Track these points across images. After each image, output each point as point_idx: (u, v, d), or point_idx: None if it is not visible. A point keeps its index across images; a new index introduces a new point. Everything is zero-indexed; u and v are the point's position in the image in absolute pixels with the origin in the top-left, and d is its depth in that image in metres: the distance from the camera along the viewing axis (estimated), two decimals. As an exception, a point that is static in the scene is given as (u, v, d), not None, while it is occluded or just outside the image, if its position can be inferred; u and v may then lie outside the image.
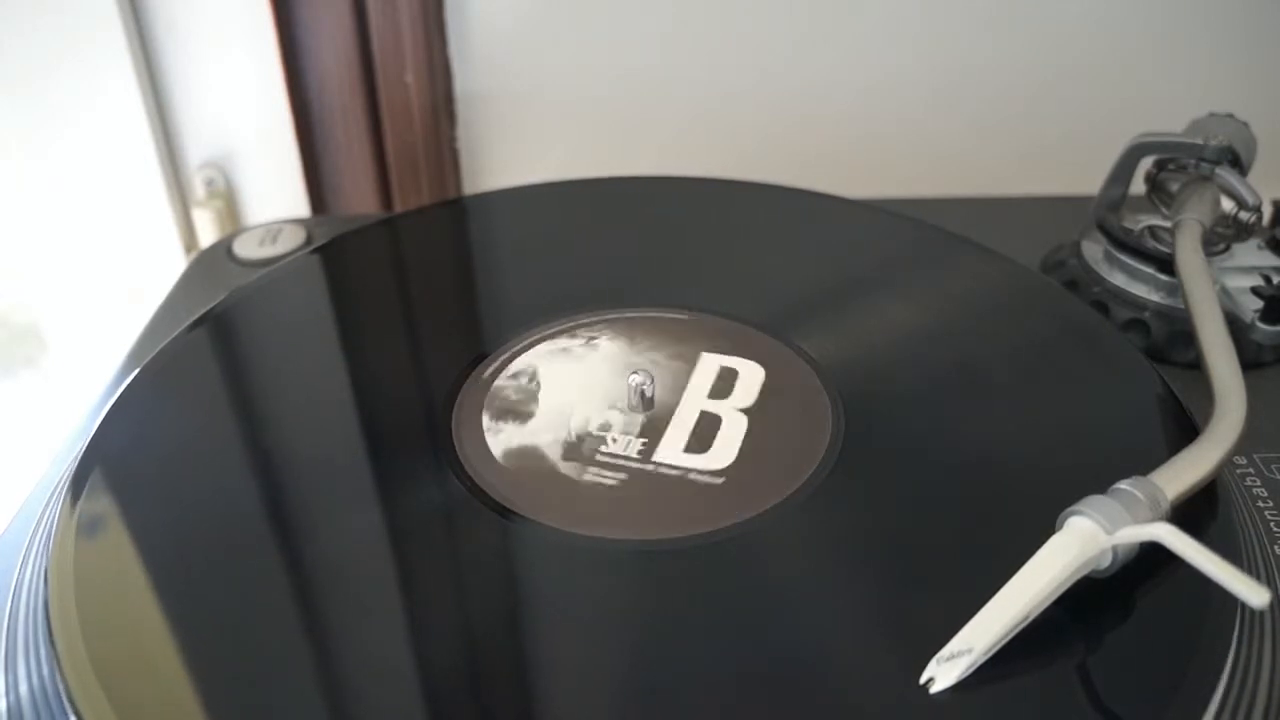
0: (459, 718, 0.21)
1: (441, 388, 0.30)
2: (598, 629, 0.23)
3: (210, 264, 0.43)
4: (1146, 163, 0.38)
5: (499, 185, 0.44)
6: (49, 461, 0.31)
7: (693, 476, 0.26)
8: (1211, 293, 0.30)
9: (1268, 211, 0.36)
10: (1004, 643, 0.20)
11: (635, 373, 0.29)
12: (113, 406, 0.29)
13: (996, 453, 0.27)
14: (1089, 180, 0.39)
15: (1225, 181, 0.35)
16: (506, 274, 0.37)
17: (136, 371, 0.30)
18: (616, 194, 0.42)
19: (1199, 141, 0.36)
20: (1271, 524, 0.27)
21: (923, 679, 0.20)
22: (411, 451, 0.28)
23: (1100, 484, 0.22)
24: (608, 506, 0.26)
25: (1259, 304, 0.34)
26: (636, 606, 0.23)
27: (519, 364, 0.31)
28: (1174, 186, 0.37)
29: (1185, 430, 0.27)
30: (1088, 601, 0.22)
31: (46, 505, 0.28)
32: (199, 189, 0.58)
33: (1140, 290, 0.35)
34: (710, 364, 0.31)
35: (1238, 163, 0.36)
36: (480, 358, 0.31)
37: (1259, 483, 0.29)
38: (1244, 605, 0.20)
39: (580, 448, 0.28)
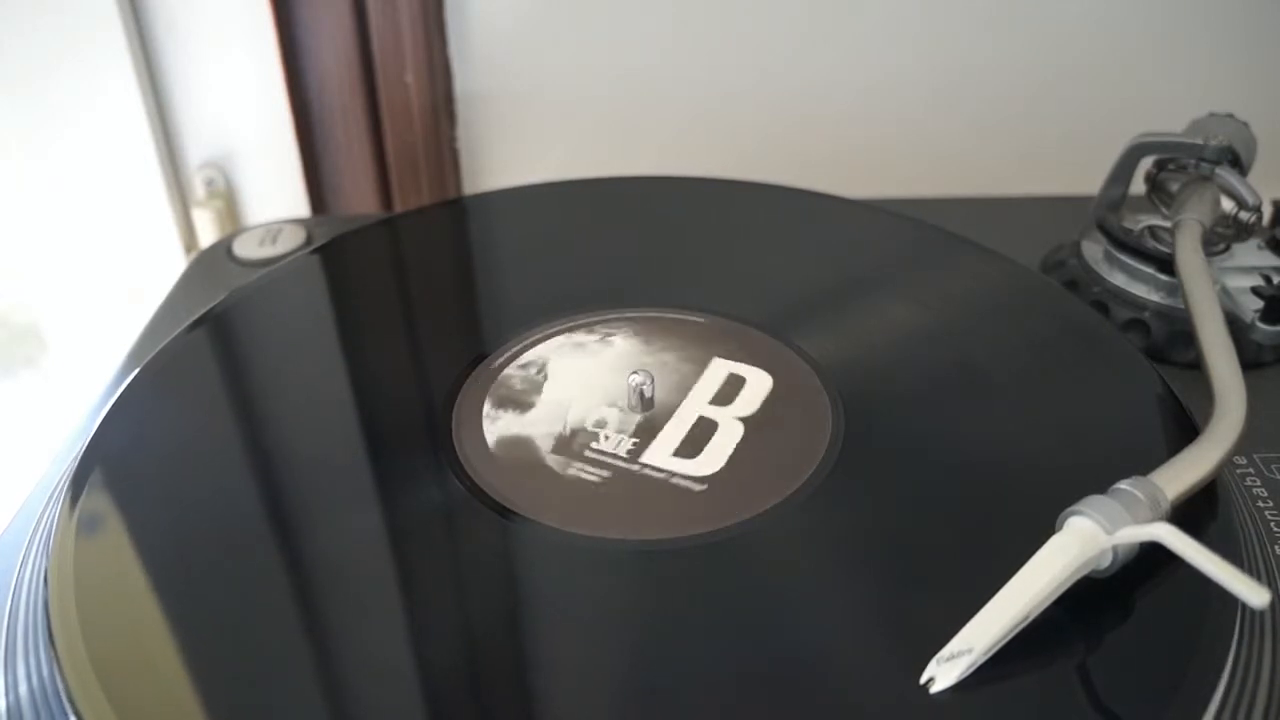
0: (459, 718, 0.21)
1: (441, 388, 0.30)
2: (597, 629, 0.23)
3: (210, 264, 0.43)
4: (1146, 163, 0.38)
5: (499, 185, 0.44)
6: (49, 461, 0.31)
7: (675, 481, 0.26)
8: (1211, 293, 0.30)
9: (1268, 211, 0.36)
10: (1004, 643, 0.20)
11: (635, 372, 0.29)
12: (113, 406, 0.29)
13: (996, 453, 0.27)
14: (1089, 180, 0.39)
15: (1225, 181, 0.35)
16: (506, 274, 0.37)
17: (136, 371, 0.30)
18: (616, 194, 0.42)
19: (1199, 141, 0.36)
20: (1271, 524, 0.27)
21: (923, 679, 0.20)
22: (411, 451, 0.28)
23: (1100, 484, 0.22)
24: (587, 503, 0.26)
25: (1259, 304, 0.34)
26: (636, 606, 0.23)
27: (531, 355, 0.31)
28: (1174, 186, 0.37)
29: (1185, 430, 0.27)
30: (1088, 601, 0.22)
31: (46, 505, 0.28)
32: (199, 189, 0.58)
33: (1140, 290, 0.35)
34: (719, 370, 0.30)
35: (1238, 163, 0.36)
36: (480, 357, 0.31)
37: (1259, 483, 0.29)
38: (1244, 605, 0.20)
39: (571, 442, 0.28)
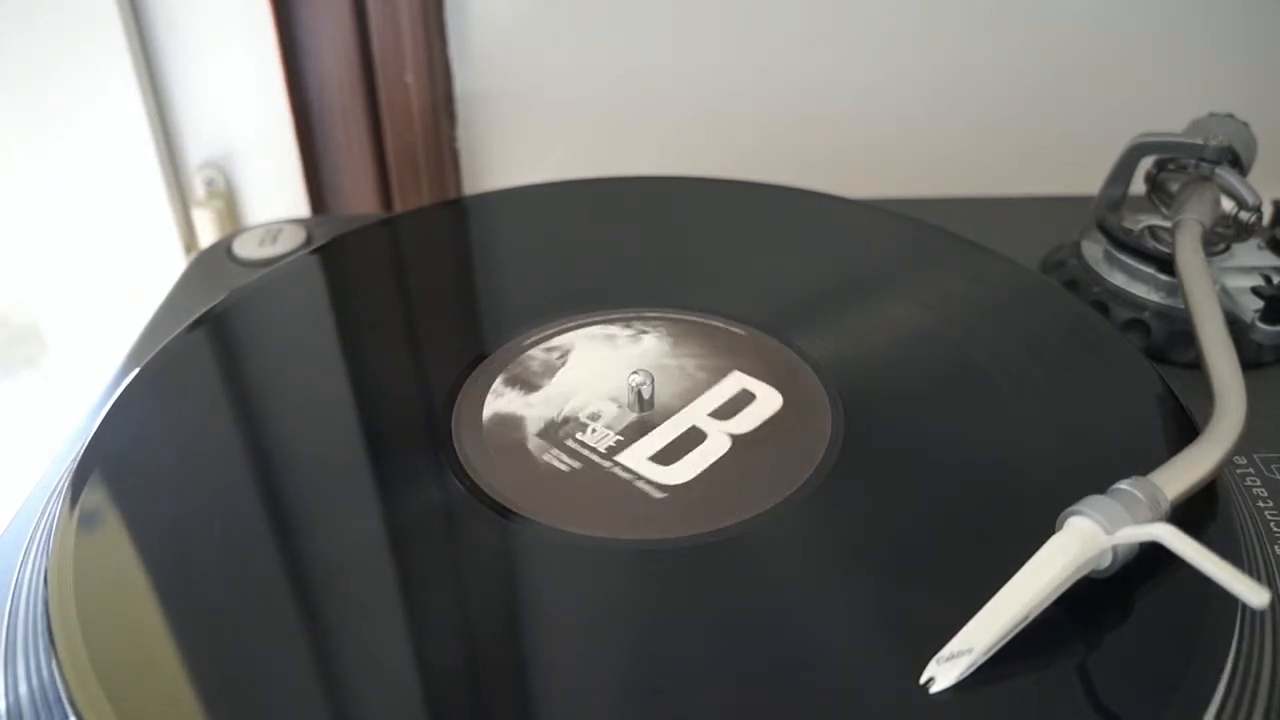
0: (458, 717, 0.21)
1: (441, 388, 0.30)
2: (596, 629, 0.23)
3: (210, 264, 0.43)
4: (1146, 163, 0.38)
5: (499, 185, 0.44)
6: (49, 461, 0.31)
7: (639, 484, 0.26)
8: (1211, 293, 0.30)
9: (1268, 211, 0.36)
10: (1004, 643, 0.20)
11: (636, 372, 0.29)
12: (113, 406, 0.29)
13: (996, 453, 0.27)
14: (1089, 180, 0.39)
15: (1225, 181, 0.35)
16: (506, 274, 0.37)
17: (136, 371, 0.30)
18: (616, 194, 0.42)
19: (1199, 141, 0.36)
20: (1271, 524, 0.27)
21: (923, 679, 0.20)
22: (411, 451, 0.28)
23: (1100, 484, 0.22)
24: (549, 490, 0.26)
25: (1259, 304, 0.34)
26: (636, 606, 0.23)
27: (560, 340, 0.32)
28: (1174, 186, 0.37)
29: (1185, 430, 0.27)
30: (1088, 601, 0.22)
31: (46, 505, 0.28)
32: (199, 189, 0.58)
33: (1140, 290, 0.35)
34: (734, 383, 0.30)
35: (1238, 163, 0.36)
36: (480, 357, 0.31)
37: (1259, 483, 0.29)
38: (1244, 605, 0.20)
39: (558, 429, 0.28)
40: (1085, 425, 0.28)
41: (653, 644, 0.22)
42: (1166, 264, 0.34)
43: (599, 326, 0.32)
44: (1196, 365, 0.28)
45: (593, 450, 0.27)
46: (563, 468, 0.27)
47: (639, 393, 0.29)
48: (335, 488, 0.27)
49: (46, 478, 0.30)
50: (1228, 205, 0.35)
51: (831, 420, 0.28)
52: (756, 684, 0.21)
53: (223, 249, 0.44)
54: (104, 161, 0.56)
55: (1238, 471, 0.29)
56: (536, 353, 0.31)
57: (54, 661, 0.21)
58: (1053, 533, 0.22)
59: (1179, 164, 0.37)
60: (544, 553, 0.24)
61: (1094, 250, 0.38)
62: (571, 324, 0.33)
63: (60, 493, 0.26)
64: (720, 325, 0.32)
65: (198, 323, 0.33)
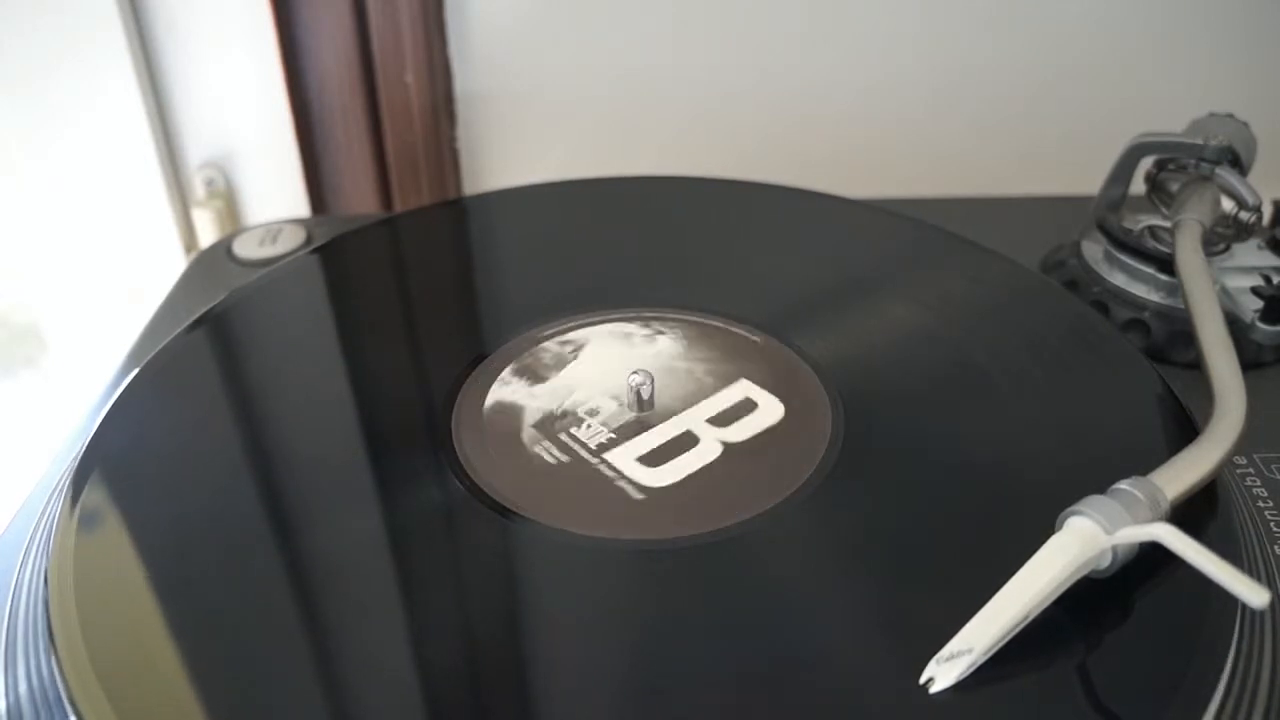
0: (458, 717, 0.21)
1: (441, 388, 0.30)
2: (596, 628, 0.23)
3: (210, 264, 0.43)
4: (1146, 163, 0.38)
5: (499, 185, 0.44)
6: (49, 461, 0.31)
7: (620, 484, 0.26)
8: (1211, 293, 0.30)
9: (1268, 211, 0.36)
10: (1004, 643, 0.20)
11: (635, 372, 0.29)
12: (113, 406, 0.29)
13: (996, 452, 0.27)
14: (1089, 180, 0.39)
15: (1225, 181, 0.35)
16: (506, 274, 0.37)
17: (136, 371, 0.30)
18: (617, 194, 0.42)
19: (1199, 141, 0.36)
20: (1271, 524, 0.27)
21: (923, 679, 0.20)
22: (411, 451, 0.28)
23: (1100, 484, 0.22)
24: (532, 481, 0.26)
25: (1259, 304, 0.34)
26: (636, 606, 0.23)
27: (577, 335, 0.32)
28: (1174, 186, 0.37)
29: (1185, 430, 0.27)
30: (1088, 601, 0.22)
31: (46, 505, 0.28)
32: (199, 189, 0.58)
33: (1140, 290, 0.35)
34: (739, 390, 0.30)
35: (1238, 163, 0.36)
36: (480, 358, 0.31)
37: (1259, 483, 0.29)
38: (1244, 605, 0.20)
39: (555, 421, 0.28)
40: (1085, 425, 0.28)
41: (652, 644, 0.22)
42: (1166, 264, 0.34)
43: (617, 324, 0.32)
44: (1196, 365, 0.28)
45: (583, 446, 0.28)
46: (550, 460, 0.27)
47: (638, 393, 0.29)
48: (335, 488, 0.27)
49: (46, 478, 0.30)
50: (1228, 205, 0.35)
51: (831, 420, 0.28)
52: (756, 684, 0.21)
53: (223, 249, 0.44)
54: (104, 161, 0.56)
55: (1238, 471, 0.29)
56: (551, 345, 0.31)
57: (54, 661, 0.21)
58: (1053, 533, 0.22)
59: (1179, 164, 0.37)
60: (544, 553, 0.24)
61: (1094, 250, 0.38)
62: (592, 319, 0.33)
63: (60, 493, 0.26)
64: (741, 333, 0.32)
65: (198, 323, 0.33)
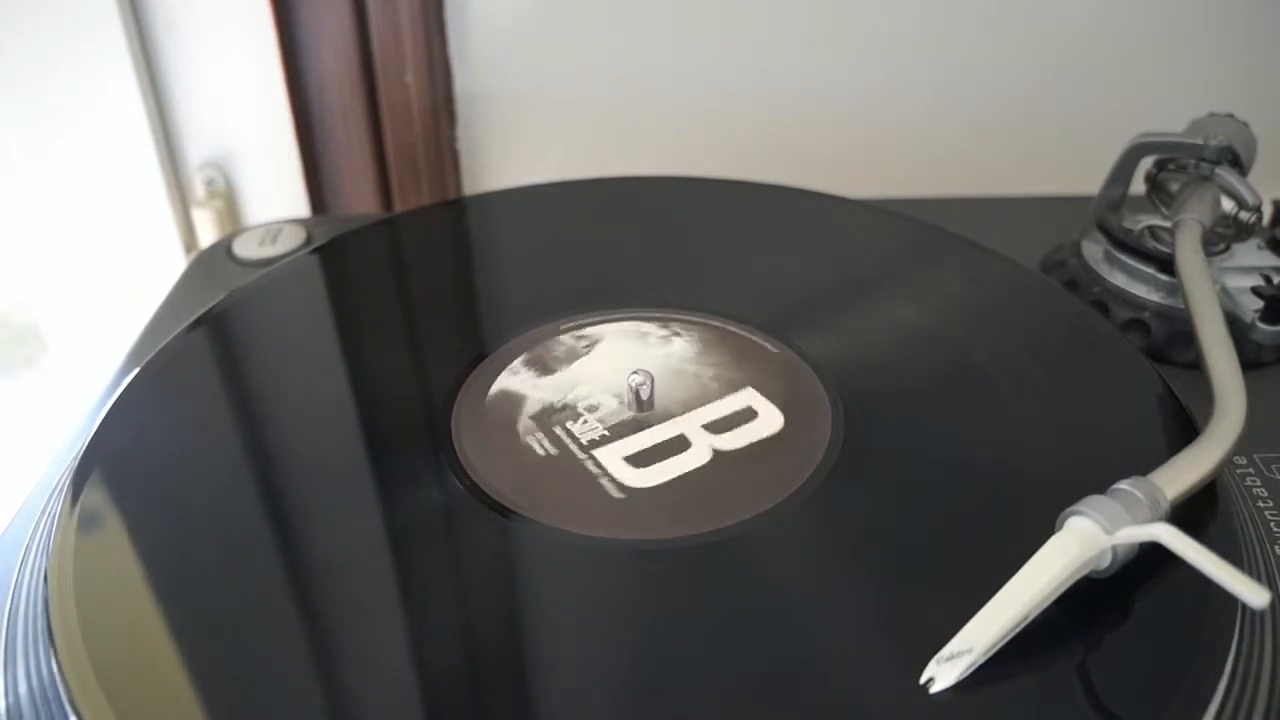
0: (458, 717, 0.21)
1: (441, 388, 0.30)
2: (596, 628, 0.23)
3: (210, 264, 0.43)
4: (1146, 163, 0.38)
5: (499, 185, 0.44)
6: (49, 461, 0.31)
7: (602, 481, 0.26)
8: (1211, 293, 0.30)
9: (1268, 211, 0.36)
10: (1004, 643, 0.20)
11: (635, 372, 0.29)
12: (113, 406, 0.29)
13: (996, 452, 0.27)
14: (1089, 180, 0.39)
15: (1225, 181, 0.35)
16: (506, 274, 0.37)
17: (136, 371, 0.30)
18: (617, 194, 0.42)
19: (1199, 141, 0.36)
20: (1271, 524, 0.27)
21: (923, 679, 0.20)
22: (411, 451, 0.28)
23: (1100, 484, 0.22)
24: (518, 470, 0.26)
25: (1259, 304, 0.34)
26: (636, 606, 0.23)
27: (594, 330, 0.32)
28: (1174, 186, 0.37)
29: (1185, 430, 0.27)
30: (1088, 601, 0.22)
31: (46, 505, 0.28)
32: (199, 189, 0.58)
33: (1140, 290, 0.35)
34: (742, 398, 0.29)
35: (1238, 163, 0.36)
36: (480, 358, 0.31)
37: (1259, 483, 0.29)
38: (1244, 605, 0.20)
39: (553, 414, 0.28)
40: (1085, 425, 0.28)
41: (652, 644, 0.22)
42: (1166, 264, 0.34)
43: (634, 323, 0.33)
44: (1196, 365, 0.28)
45: (574, 440, 0.28)
46: (540, 452, 0.27)
47: (637, 393, 0.29)
48: (335, 488, 0.27)
49: (46, 478, 0.30)
50: (1228, 205, 0.35)
51: (831, 420, 0.28)
52: (756, 684, 0.21)
53: (223, 249, 0.44)
54: (104, 161, 0.56)
55: (1238, 471, 0.29)
56: (566, 339, 0.31)
57: (54, 661, 0.21)
58: (1053, 533, 0.22)
59: (1179, 164, 0.37)
60: (544, 553, 0.24)
61: (1094, 250, 0.38)
62: (611, 316, 0.33)
63: (60, 493, 0.26)
64: (757, 340, 0.32)
65: (198, 323, 0.33)
